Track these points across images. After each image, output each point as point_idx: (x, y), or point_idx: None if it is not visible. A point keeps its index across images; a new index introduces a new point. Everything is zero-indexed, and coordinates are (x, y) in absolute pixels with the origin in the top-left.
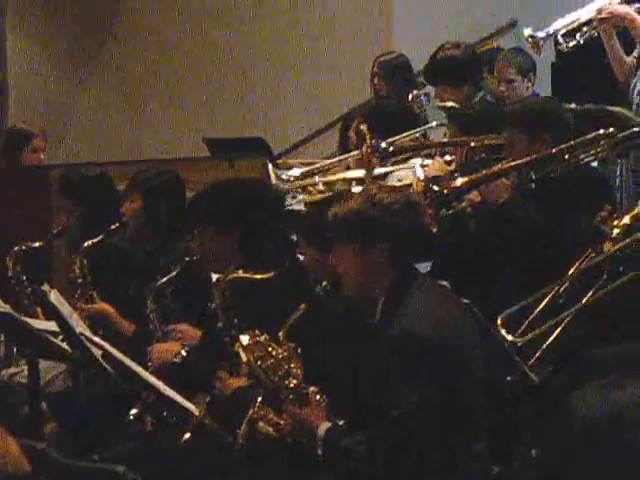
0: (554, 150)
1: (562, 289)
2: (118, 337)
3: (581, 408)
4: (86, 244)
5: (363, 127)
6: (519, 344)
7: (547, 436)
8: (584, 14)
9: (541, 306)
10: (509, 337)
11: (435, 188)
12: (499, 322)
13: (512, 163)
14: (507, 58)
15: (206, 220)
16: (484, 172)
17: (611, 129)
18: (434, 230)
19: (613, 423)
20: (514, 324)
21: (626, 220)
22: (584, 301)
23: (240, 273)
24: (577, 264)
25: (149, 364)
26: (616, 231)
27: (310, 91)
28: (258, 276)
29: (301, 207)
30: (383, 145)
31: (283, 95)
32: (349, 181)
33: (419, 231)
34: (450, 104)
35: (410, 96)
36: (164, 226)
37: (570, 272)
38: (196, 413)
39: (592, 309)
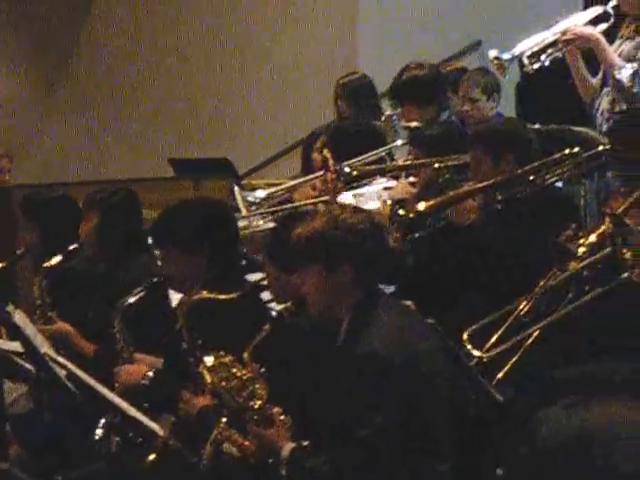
0: (519, 171)
1: (527, 307)
2: (79, 357)
3: (546, 428)
4: (45, 265)
5: (325, 152)
6: (484, 360)
7: (511, 457)
8: (549, 35)
9: (507, 324)
10: (475, 352)
11: (400, 212)
12: (465, 337)
13: (478, 185)
14: (472, 78)
15: (171, 241)
16: (449, 194)
17: (576, 149)
18: (401, 253)
19: (580, 443)
20: (481, 340)
21: (592, 239)
22: (549, 320)
23: (204, 294)
24: (542, 282)
25: (116, 385)
26: (582, 250)
27: (275, 112)
28: (222, 297)
29: (266, 228)
30: (347, 170)
31: (248, 116)
32: (315, 203)
33: (383, 252)
34: (414, 124)
35: (383, 116)
36: (120, 245)
37: (535, 290)
38: (161, 434)
39: (557, 328)
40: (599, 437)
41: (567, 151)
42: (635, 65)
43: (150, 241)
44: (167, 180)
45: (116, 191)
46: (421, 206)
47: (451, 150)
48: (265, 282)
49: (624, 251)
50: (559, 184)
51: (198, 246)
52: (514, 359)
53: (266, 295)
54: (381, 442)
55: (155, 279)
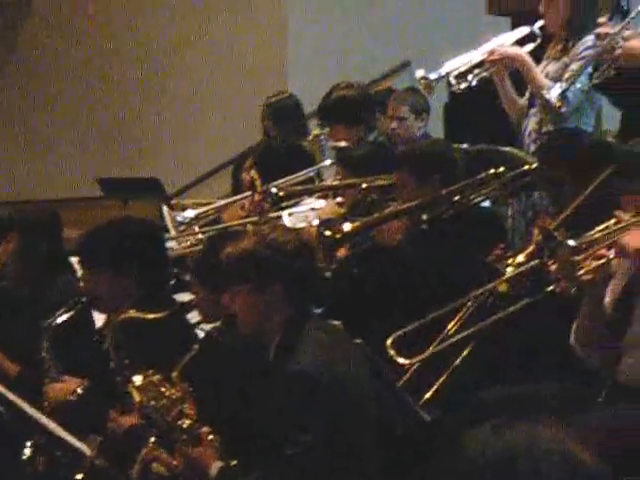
0: (444, 192)
1: (455, 326)
2: (4, 379)
3: (473, 449)
4: None
5: (253, 172)
6: (408, 367)
7: (439, 477)
8: (476, 55)
9: (435, 343)
10: (400, 360)
11: (327, 233)
12: (389, 343)
13: (403, 206)
14: (401, 96)
15: (99, 261)
16: (375, 215)
17: (501, 169)
18: (328, 274)
19: (506, 464)
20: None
21: (520, 258)
22: (474, 329)
23: (132, 313)
24: (470, 302)
25: (45, 404)
26: (510, 269)
27: (204, 131)
28: (150, 316)
29: (195, 248)
30: (274, 191)
31: (177, 135)
32: (244, 224)
33: (312, 271)
34: (342, 144)
35: (310, 136)
36: (42, 266)
37: (462, 309)
38: (88, 453)
39: (484, 348)
40: (524, 457)
41: (492, 171)
42: (563, 85)
43: (75, 261)
44: (95, 200)
45: (35, 211)
46: (347, 227)
47: (378, 170)
48: (194, 302)
49: (550, 264)
50: (487, 204)
51: (126, 266)
52: (440, 380)
53: (195, 315)
54: (309, 461)
55: (83, 299)
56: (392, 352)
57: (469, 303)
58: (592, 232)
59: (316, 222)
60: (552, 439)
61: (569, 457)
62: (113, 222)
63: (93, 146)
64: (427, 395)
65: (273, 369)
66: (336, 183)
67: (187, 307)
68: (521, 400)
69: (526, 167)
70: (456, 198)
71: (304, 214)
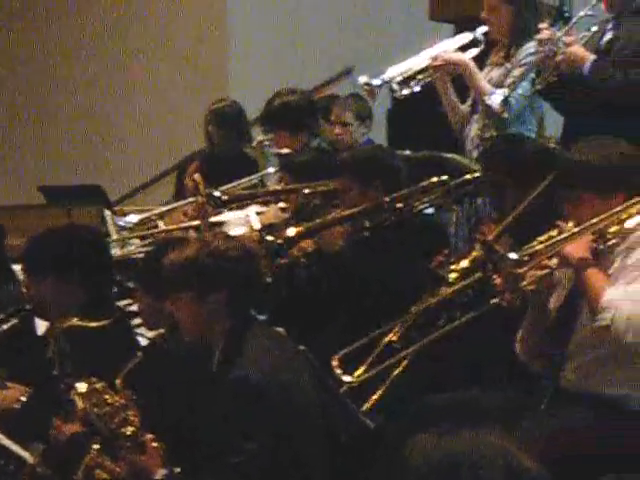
0: (387, 198)
1: (398, 333)
2: None
3: (416, 456)
4: None
5: (196, 176)
6: (354, 385)
7: None
8: (419, 61)
9: (377, 350)
10: (345, 377)
11: (269, 238)
12: (335, 363)
13: (345, 212)
14: (345, 102)
15: (42, 268)
16: (318, 221)
17: (444, 176)
18: (269, 279)
19: (449, 471)
20: (352, 365)
21: (464, 264)
22: (419, 345)
23: (75, 321)
24: (412, 309)
25: None
26: (453, 275)
27: (146, 138)
28: (93, 324)
29: (138, 254)
30: (217, 194)
31: (120, 142)
32: (186, 228)
33: (256, 278)
34: (285, 151)
35: (255, 142)
36: None
37: (405, 316)
38: (31, 461)
39: (428, 355)
40: (467, 464)
41: (435, 178)
42: (505, 91)
43: (18, 269)
44: (38, 207)
45: None
46: (290, 232)
47: (321, 176)
48: (137, 309)
49: (494, 277)
50: (430, 211)
51: (70, 273)
52: (383, 387)
53: (138, 321)
54: (253, 468)
55: (27, 306)
56: (338, 371)
57: (412, 310)
58: (534, 243)
59: (259, 227)
60: (495, 446)
61: (512, 464)
62: (56, 229)
63: (36, 153)
64: (367, 405)
65: (217, 376)
66: (279, 188)
67: (130, 314)
68: (465, 407)
69: (470, 175)
70: (399, 205)
71: (246, 219)
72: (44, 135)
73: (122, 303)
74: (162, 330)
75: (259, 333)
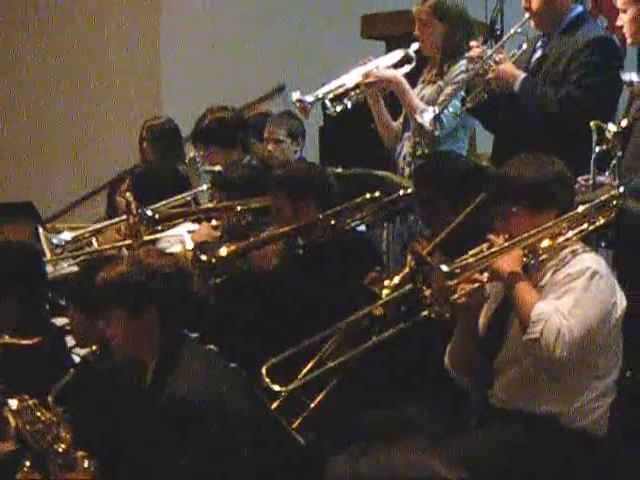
0: (320, 216)
1: (330, 349)
2: None
3: (331, 475)
4: None
5: (128, 195)
6: (284, 394)
7: None
8: (351, 78)
9: (310, 365)
10: (275, 387)
11: (203, 257)
12: (264, 371)
13: (279, 230)
14: (278, 120)
15: None
16: (251, 240)
17: (377, 193)
18: (204, 298)
19: None
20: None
21: (396, 280)
22: (349, 355)
23: (7, 338)
24: (345, 325)
25: None
26: (385, 292)
27: (78, 155)
28: (25, 341)
29: (70, 272)
30: (149, 213)
31: (51, 159)
32: (118, 247)
33: (187, 296)
34: (217, 168)
35: (187, 158)
36: None
37: (338, 333)
38: None
39: (359, 371)
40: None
41: (368, 195)
42: (436, 109)
43: None
44: None
45: None
46: (223, 252)
47: (254, 193)
48: (69, 326)
49: (424, 289)
50: (362, 228)
51: (6, 290)
52: (313, 404)
53: (70, 339)
54: None
55: None
56: (267, 380)
57: (344, 327)
58: (466, 256)
59: (191, 245)
60: (412, 463)
61: (432, 477)
62: None
63: None
64: (295, 424)
65: (150, 394)
66: (212, 206)
67: (63, 331)
68: (393, 423)
69: (402, 192)
70: (332, 222)
71: (178, 237)
72: None
73: (56, 321)
74: (94, 347)
75: (192, 351)
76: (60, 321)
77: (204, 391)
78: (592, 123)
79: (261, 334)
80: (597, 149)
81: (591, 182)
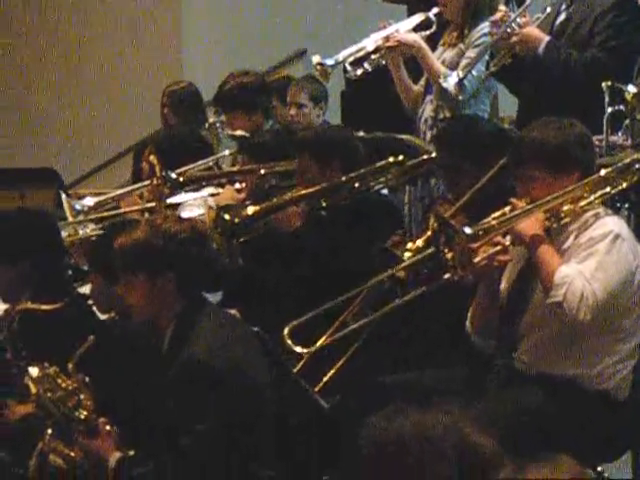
0: (344, 178)
1: (354, 312)
2: None
3: (366, 439)
4: None
5: (152, 158)
6: (306, 356)
7: (339, 464)
8: (372, 42)
9: (333, 328)
10: (297, 349)
11: (226, 217)
12: (286, 333)
13: (303, 191)
14: (301, 84)
15: None
16: (275, 200)
17: (400, 157)
18: (226, 259)
19: (397, 452)
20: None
21: (418, 243)
22: (371, 318)
23: (28, 304)
24: (366, 287)
25: None
26: (408, 255)
27: (101, 120)
28: (46, 307)
29: (92, 237)
30: (173, 176)
31: (75, 124)
32: (142, 210)
33: (206, 260)
34: (240, 133)
35: (207, 124)
36: None
37: (360, 295)
38: None
39: (381, 335)
40: (414, 445)
41: (391, 159)
42: (460, 73)
43: None
44: None
45: None
46: (245, 211)
47: (278, 157)
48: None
49: (446, 252)
50: (384, 191)
51: (21, 257)
52: (337, 366)
53: (91, 305)
54: (205, 449)
55: None
56: (289, 341)
57: (366, 290)
58: (488, 219)
59: (214, 208)
60: (445, 425)
61: (464, 441)
62: (7, 213)
63: None
64: (319, 386)
65: (168, 358)
66: (236, 169)
67: (83, 297)
68: (417, 387)
69: (425, 156)
70: (356, 185)
71: (202, 201)
72: None
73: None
74: (113, 313)
75: (211, 315)
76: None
77: (222, 355)
78: (604, 84)
79: (282, 296)
80: (609, 109)
81: (604, 143)
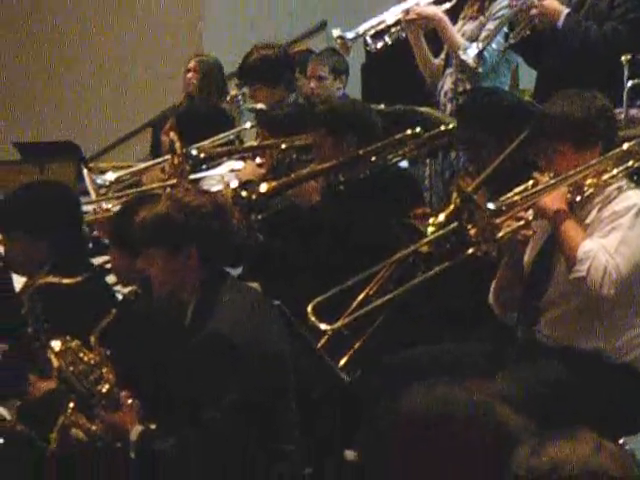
0: (361, 152)
1: (376, 286)
2: None
3: (409, 404)
4: None
5: (173, 134)
6: (330, 333)
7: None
8: (392, 15)
9: (357, 302)
10: (322, 326)
11: (243, 194)
12: (310, 310)
13: (320, 166)
14: (321, 56)
15: (13, 225)
16: (292, 176)
17: (417, 129)
18: (244, 235)
19: (441, 418)
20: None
21: (441, 218)
22: (394, 293)
23: (50, 278)
24: (389, 262)
25: None
26: (431, 229)
27: (121, 93)
28: (67, 281)
29: (113, 211)
30: (194, 152)
31: (95, 97)
32: (163, 187)
33: (227, 234)
34: (259, 106)
35: (228, 97)
36: None
37: (382, 270)
38: (8, 418)
39: (404, 308)
40: (459, 413)
41: (409, 131)
42: (480, 45)
43: None
44: (12, 164)
45: None
46: (263, 188)
47: (299, 131)
48: (111, 265)
49: (469, 227)
50: (404, 164)
51: (41, 230)
52: (360, 341)
53: (112, 278)
54: (226, 423)
55: None
56: (313, 318)
57: (389, 264)
58: (511, 194)
59: (235, 184)
60: (482, 400)
61: (499, 415)
62: (27, 186)
63: (10, 109)
64: (343, 360)
65: (190, 332)
66: (256, 144)
67: (104, 271)
68: (439, 360)
69: (443, 127)
70: (373, 158)
71: (222, 176)
72: (18, 91)
73: (99, 260)
74: (135, 287)
75: (232, 288)
76: (103, 260)
77: (244, 328)
78: (623, 57)
79: (302, 271)
80: (629, 83)
81: (623, 116)
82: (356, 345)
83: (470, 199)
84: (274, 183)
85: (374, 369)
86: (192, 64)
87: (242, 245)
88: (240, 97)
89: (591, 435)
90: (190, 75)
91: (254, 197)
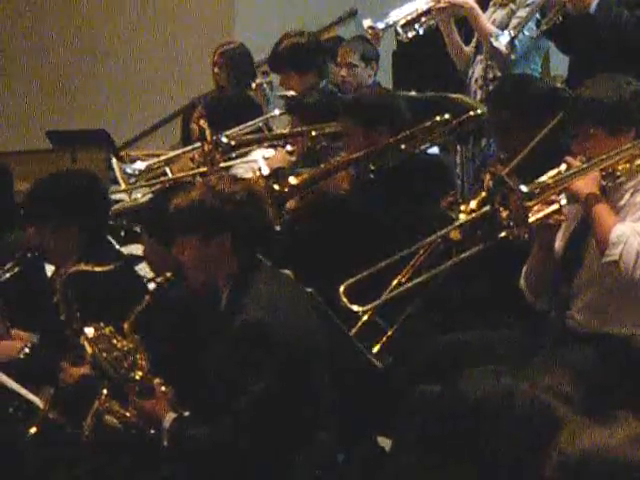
0: (391, 140)
1: (409, 273)
2: None
3: (473, 389)
4: None
5: (203, 122)
6: (361, 314)
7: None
8: (422, 4)
9: (389, 289)
10: (353, 307)
11: (275, 187)
12: (341, 290)
13: (349, 156)
14: (352, 44)
15: (43, 214)
16: (322, 167)
17: (446, 115)
18: (277, 227)
19: (505, 402)
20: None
21: (472, 205)
22: (426, 276)
23: (82, 266)
24: (420, 245)
25: None
26: (462, 216)
27: (151, 82)
28: (99, 268)
29: (145, 200)
30: (224, 140)
31: (125, 86)
32: (193, 175)
33: (261, 221)
34: (290, 93)
35: (253, 84)
36: None
37: (415, 257)
38: (41, 406)
39: (435, 295)
40: (520, 397)
41: (438, 118)
42: (512, 32)
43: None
44: (44, 152)
45: None
46: (293, 180)
47: (329, 118)
48: (143, 253)
49: (502, 210)
50: (435, 151)
51: (70, 218)
52: (393, 328)
53: (144, 266)
54: (260, 410)
55: (29, 254)
56: (344, 300)
57: (421, 251)
58: (543, 178)
59: (266, 171)
60: (536, 397)
61: (536, 400)
62: (55, 175)
63: (42, 98)
64: (375, 348)
65: (224, 319)
66: (286, 131)
67: (136, 259)
68: (473, 346)
69: (472, 113)
70: (402, 146)
71: (255, 164)
72: (50, 80)
73: (130, 248)
74: (168, 274)
75: (265, 276)
76: (135, 248)
77: (278, 316)
78: None
79: (334, 260)
80: None
81: None
82: (389, 332)
83: (503, 182)
84: (305, 175)
85: (407, 356)
86: (216, 57)
87: (275, 234)
88: (265, 85)
89: (630, 418)
90: (217, 71)
91: (286, 189)
